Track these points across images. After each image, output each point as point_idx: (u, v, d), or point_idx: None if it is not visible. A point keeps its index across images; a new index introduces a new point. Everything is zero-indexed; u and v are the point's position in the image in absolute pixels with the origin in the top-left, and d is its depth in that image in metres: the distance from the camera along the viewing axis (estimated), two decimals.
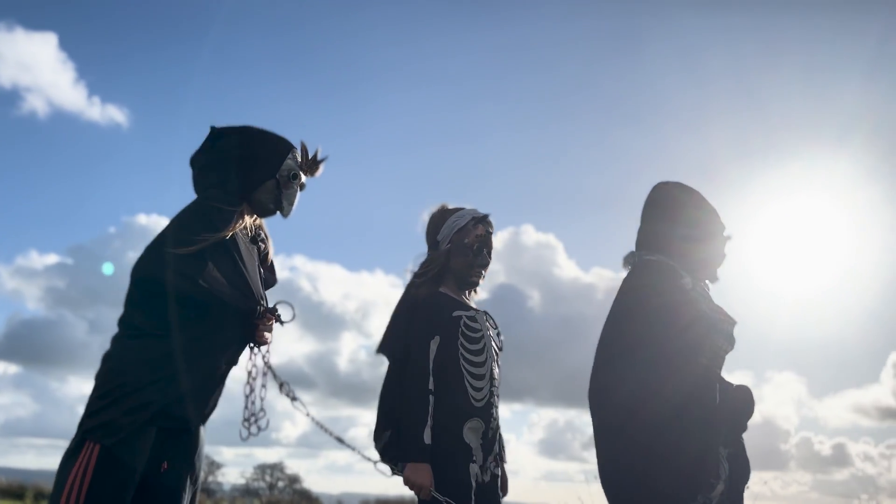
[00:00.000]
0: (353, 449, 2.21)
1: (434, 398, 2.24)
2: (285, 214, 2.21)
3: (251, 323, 2.03)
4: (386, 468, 2.26)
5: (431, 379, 2.25)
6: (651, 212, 2.20)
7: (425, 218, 2.52)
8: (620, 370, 2.01)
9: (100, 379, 1.94)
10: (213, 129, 2.16)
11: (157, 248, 1.95)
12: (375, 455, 2.30)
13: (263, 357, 2.06)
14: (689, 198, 2.18)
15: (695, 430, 1.91)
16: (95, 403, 1.90)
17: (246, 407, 2.03)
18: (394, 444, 2.28)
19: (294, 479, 29.05)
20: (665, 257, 2.12)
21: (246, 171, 2.11)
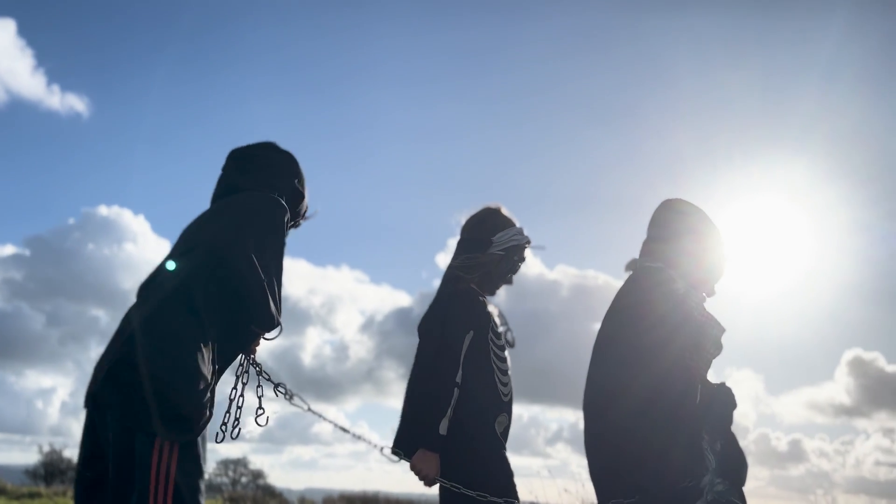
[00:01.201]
0: (358, 437, 2.25)
1: (460, 391, 2.25)
2: None
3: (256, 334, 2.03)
4: (393, 455, 2.27)
5: (461, 372, 2.27)
6: (658, 224, 2.33)
7: (477, 210, 2.53)
8: (612, 371, 2.13)
9: (156, 361, 1.79)
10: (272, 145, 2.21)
11: (242, 231, 1.92)
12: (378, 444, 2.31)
13: (255, 365, 2.07)
14: (695, 215, 2.31)
15: (680, 427, 2.03)
16: (160, 392, 1.77)
17: (228, 412, 2.04)
18: (405, 430, 2.31)
19: (258, 475, 28.78)
20: (664, 265, 2.23)
21: (293, 206, 2.16)
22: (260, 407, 2.05)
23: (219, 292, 1.89)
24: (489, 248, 2.44)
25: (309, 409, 2.14)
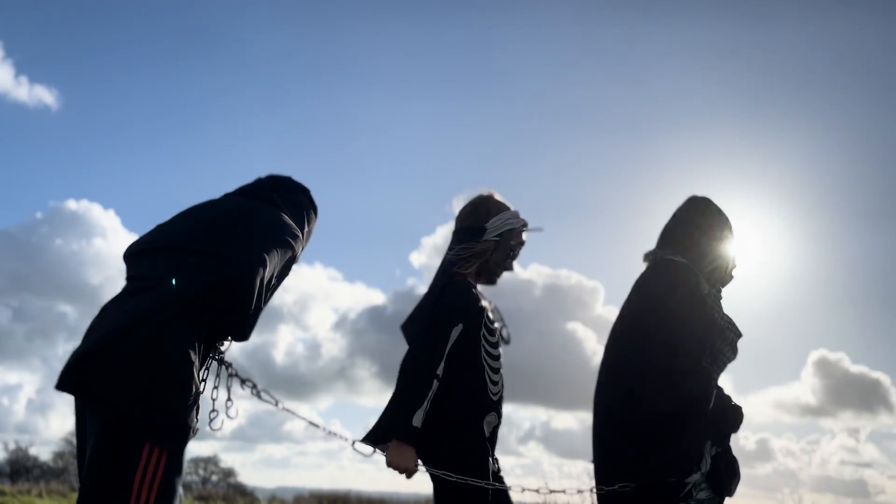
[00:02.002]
0: (329, 431, 2.20)
1: (441, 385, 2.17)
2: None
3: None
4: (365, 448, 2.21)
5: (443, 364, 2.17)
6: (683, 218, 2.35)
7: (470, 197, 2.46)
8: (631, 362, 2.14)
9: (152, 362, 1.75)
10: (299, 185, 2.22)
11: (268, 258, 1.92)
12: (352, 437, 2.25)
13: (224, 361, 2.03)
14: (719, 214, 2.34)
15: (686, 424, 2.04)
16: (151, 394, 1.73)
17: (214, 409, 2.02)
18: (378, 422, 2.23)
19: (228, 473, 28.55)
20: (687, 260, 2.23)
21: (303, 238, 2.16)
22: (229, 398, 2.02)
23: (216, 303, 1.86)
24: (483, 235, 2.35)
25: (277, 404, 2.10)
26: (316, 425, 2.22)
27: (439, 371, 2.17)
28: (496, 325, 2.37)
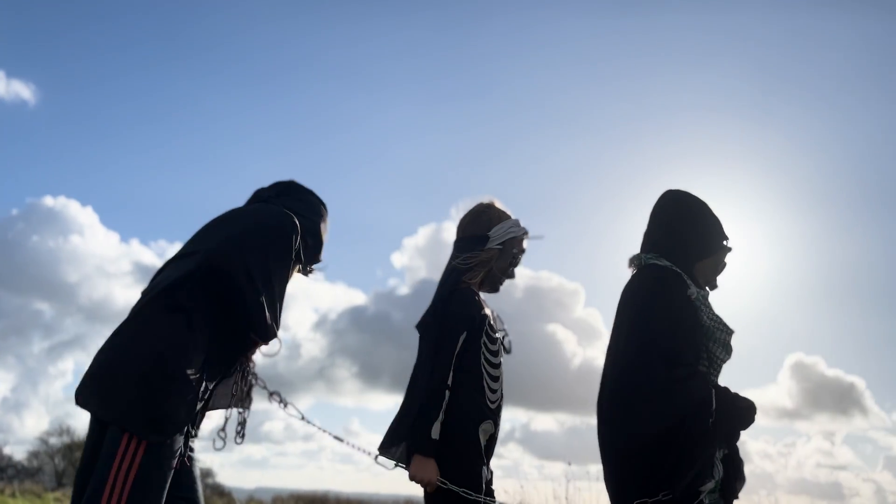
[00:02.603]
0: (353, 445, 2.22)
1: (449, 394, 2.21)
2: None
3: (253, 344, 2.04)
4: (387, 462, 2.25)
5: (452, 374, 2.22)
6: (661, 217, 2.27)
7: (470, 206, 2.49)
8: (625, 376, 2.10)
9: (142, 356, 1.80)
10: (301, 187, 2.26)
11: (245, 244, 1.95)
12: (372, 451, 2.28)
13: (253, 374, 2.08)
14: (699, 207, 2.26)
15: (691, 433, 2.01)
16: (132, 388, 1.77)
17: (235, 421, 2.07)
18: (397, 434, 2.26)
19: (206, 473, 28.33)
20: (671, 263, 2.18)
21: (314, 245, 2.20)
22: (242, 422, 2.06)
23: (208, 298, 1.88)
24: (486, 243, 2.39)
25: (303, 419, 2.12)
26: (339, 439, 2.20)
27: (449, 381, 2.21)
28: (498, 334, 2.38)
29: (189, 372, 1.81)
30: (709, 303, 2.21)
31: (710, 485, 2.04)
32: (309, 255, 2.19)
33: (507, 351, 2.41)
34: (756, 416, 2.14)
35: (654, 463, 2.02)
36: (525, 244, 2.46)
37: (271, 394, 2.08)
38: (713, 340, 2.15)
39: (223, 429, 2.04)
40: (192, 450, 2.01)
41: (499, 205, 2.48)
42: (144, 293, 1.96)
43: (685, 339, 2.09)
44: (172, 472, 1.83)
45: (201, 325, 1.86)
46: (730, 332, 2.18)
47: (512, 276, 2.44)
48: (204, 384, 1.88)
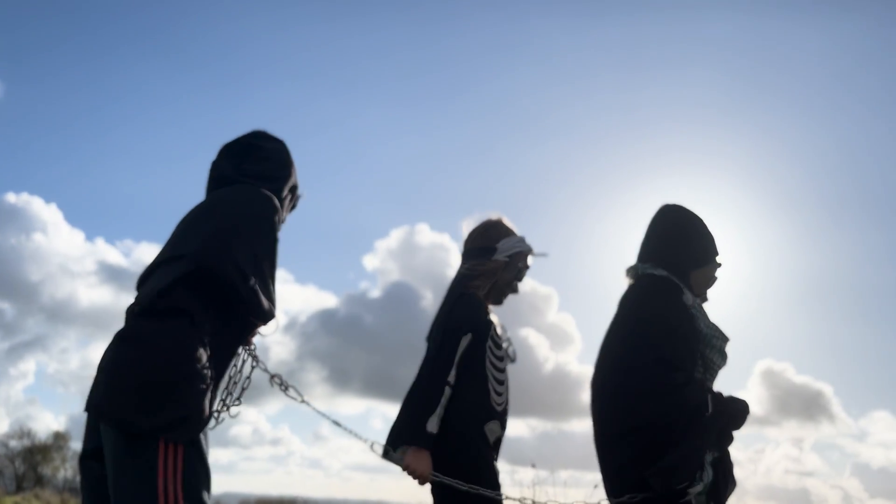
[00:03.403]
0: (351, 431, 2.23)
1: (452, 392, 2.25)
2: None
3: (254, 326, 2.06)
4: (380, 449, 2.28)
5: (454, 371, 2.26)
6: (658, 229, 2.36)
7: (478, 220, 2.56)
8: (624, 380, 2.16)
9: (158, 362, 1.81)
10: (264, 133, 2.22)
11: (229, 238, 1.93)
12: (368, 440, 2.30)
13: (254, 356, 2.10)
14: (694, 220, 2.36)
15: (686, 436, 2.07)
16: (157, 393, 1.78)
17: (230, 393, 2.08)
18: (394, 427, 2.31)
19: None
20: (668, 273, 2.26)
21: (290, 198, 2.19)
22: (239, 397, 2.06)
23: (205, 297, 1.90)
24: (494, 254, 2.46)
25: (303, 401, 2.13)
26: (338, 423, 2.21)
27: (450, 378, 2.25)
28: (504, 343, 2.45)
29: (203, 368, 1.84)
30: (704, 311, 2.27)
31: (698, 487, 2.07)
32: (290, 207, 2.22)
33: (512, 360, 2.47)
34: (748, 414, 2.20)
35: (648, 461, 2.06)
36: (530, 260, 2.53)
37: (272, 377, 2.08)
38: (710, 347, 2.21)
39: (218, 408, 2.05)
40: None
41: (506, 222, 2.56)
42: (138, 300, 1.96)
43: (682, 345, 2.15)
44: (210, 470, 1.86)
45: (203, 323, 1.88)
46: (725, 339, 2.25)
47: (516, 290, 2.50)
48: (215, 377, 1.91)
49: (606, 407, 2.22)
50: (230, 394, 2.05)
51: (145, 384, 1.77)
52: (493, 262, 2.45)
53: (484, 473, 2.23)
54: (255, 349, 2.08)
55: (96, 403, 1.81)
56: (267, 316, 1.99)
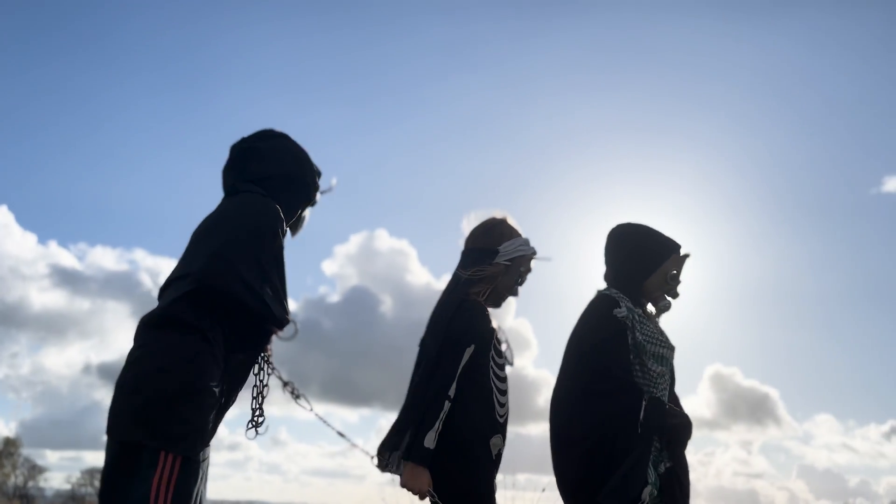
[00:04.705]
0: (354, 445, 2.23)
1: (452, 405, 2.19)
2: (293, 236, 2.28)
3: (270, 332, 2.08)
4: (379, 461, 2.26)
5: (454, 385, 2.19)
6: (607, 250, 2.46)
7: (482, 218, 2.49)
8: (566, 392, 2.30)
9: (154, 378, 1.85)
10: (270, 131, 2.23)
11: (232, 253, 1.95)
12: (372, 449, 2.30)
13: (270, 363, 2.11)
14: (630, 233, 2.42)
15: (615, 441, 2.15)
16: (161, 407, 1.83)
17: (253, 409, 2.09)
18: (388, 440, 2.28)
19: None
20: (618, 290, 2.35)
21: (296, 190, 2.19)
22: (261, 412, 2.07)
23: (214, 313, 1.93)
24: (495, 257, 2.39)
25: (311, 410, 2.15)
26: (342, 435, 2.19)
27: (451, 392, 2.18)
28: (503, 346, 2.41)
29: (213, 385, 1.88)
30: (645, 319, 2.34)
31: (647, 490, 2.11)
32: (301, 206, 2.23)
33: (510, 363, 2.42)
34: (691, 432, 2.30)
35: (595, 470, 2.16)
36: (532, 264, 2.46)
37: (285, 384, 2.09)
38: (645, 354, 2.27)
39: (253, 418, 2.09)
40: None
41: (511, 221, 2.48)
42: (150, 316, 1.97)
43: (612, 355, 2.23)
44: (205, 481, 1.90)
45: (217, 339, 1.91)
46: (664, 345, 2.32)
47: (516, 293, 2.44)
48: (225, 394, 1.96)
49: (553, 418, 2.33)
50: (260, 406, 2.09)
51: (149, 399, 1.82)
52: (494, 266, 2.37)
53: (484, 492, 2.21)
54: (271, 356, 2.10)
55: (108, 420, 1.87)
56: (281, 321, 2.00)
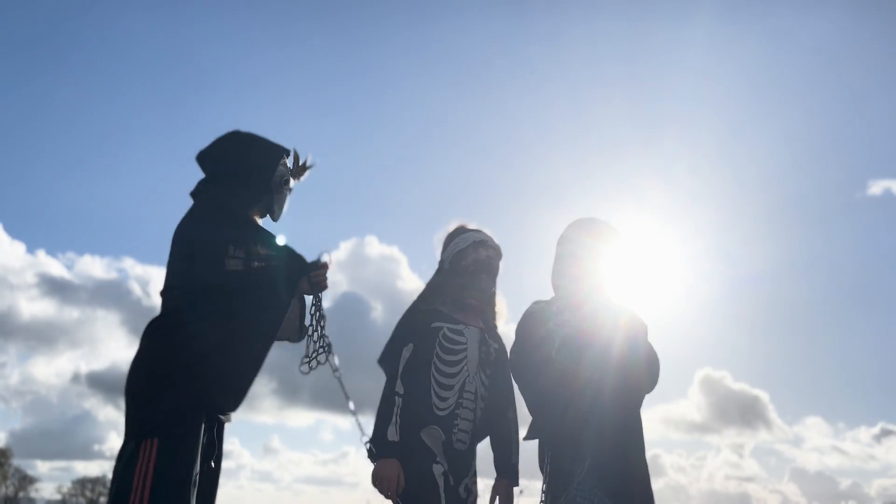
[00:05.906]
0: (364, 439, 2.35)
1: (402, 400, 2.37)
2: (275, 218, 2.32)
3: (311, 274, 2.20)
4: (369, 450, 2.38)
5: (399, 382, 2.38)
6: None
7: (441, 235, 2.61)
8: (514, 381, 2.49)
9: (142, 373, 2.00)
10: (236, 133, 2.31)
11: (207, 252, 2.06)
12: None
13: (320, 300, 2.26)
14: (569, 236, 2.46)
15: (542, 427, 2.33)
16: (145, 399, 1.95)
17: (308, 346, 2.27)
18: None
19: None
20: (554, 291, 2.45)
21: (244, 181, 2.23)
22: (318, 351, 2.27)
23: (204, 306, 2.04)
24: (440, 267, 2.55)
25: (337, 371, 2.32)
26: (354, 413, 2.32)
27: (398, 389, 2.39)
28: (478, 347, 2.45)
29: (188, 373, 1.96)
30: (561, 317, 2.33)
31: (579, 478, 2.14)
32: (263, 188, 2.27)
33: (489, 362, 2.52)
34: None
35: (539, 449, 2.37)
36: (482, 251, 2.48)
37: (320, 337, 2.28)
38: (552, 347, 2.28)
39: (307, 354, 2.25)
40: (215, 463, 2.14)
41: (454, 224, 2.58)
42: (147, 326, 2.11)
43: (531, 350, 2.34)
44: (195, 468, 1.94)
45: (204, 331, 2.01)
46: (563, 340, 2.27)
47: (478, 287, 2.47)
48: (229, 372, 2.06)
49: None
50: (321, 342, 2.26)
51: (128, 400, 1.97)
52: (436, 275, 2.54)
53: (416, 483, 2.31)
54: (322, 300, 2.27)
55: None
56: (304, 268, 2.17)
